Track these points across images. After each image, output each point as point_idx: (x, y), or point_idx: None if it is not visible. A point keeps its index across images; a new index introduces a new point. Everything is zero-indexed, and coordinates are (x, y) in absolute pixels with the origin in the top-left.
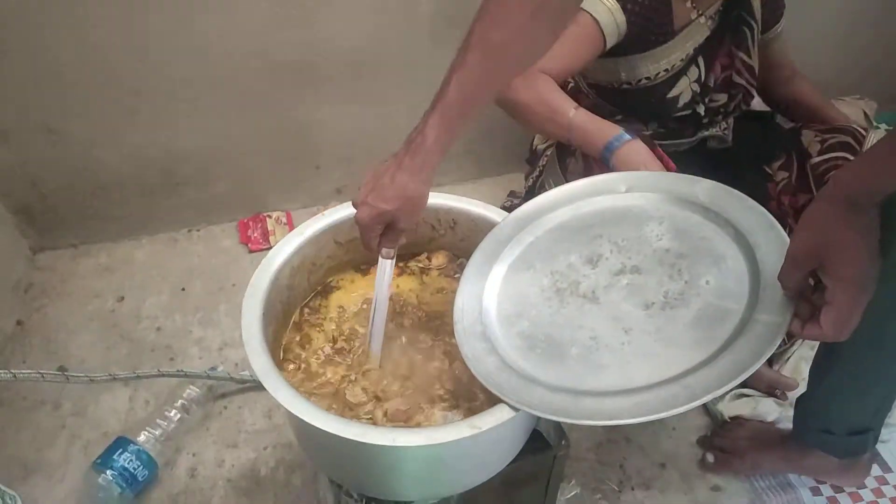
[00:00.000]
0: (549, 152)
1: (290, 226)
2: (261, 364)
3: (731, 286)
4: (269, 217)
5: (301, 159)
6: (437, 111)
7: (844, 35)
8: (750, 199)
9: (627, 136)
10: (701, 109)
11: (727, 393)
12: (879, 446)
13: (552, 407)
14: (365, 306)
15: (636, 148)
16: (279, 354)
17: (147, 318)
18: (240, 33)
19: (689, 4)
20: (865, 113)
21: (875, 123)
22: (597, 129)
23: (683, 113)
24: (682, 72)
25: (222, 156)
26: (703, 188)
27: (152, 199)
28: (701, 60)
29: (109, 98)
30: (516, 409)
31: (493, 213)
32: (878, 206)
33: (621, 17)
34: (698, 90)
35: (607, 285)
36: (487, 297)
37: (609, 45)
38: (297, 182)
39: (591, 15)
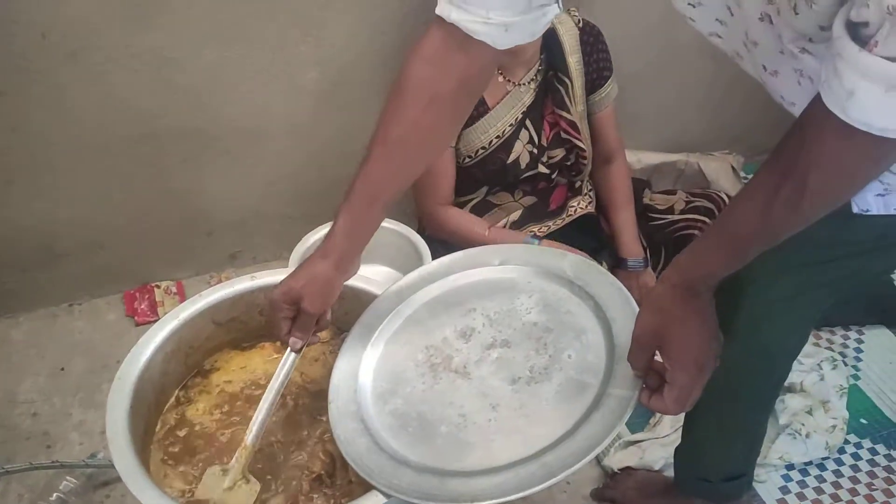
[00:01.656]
0: None
1: (181, 295)
2: (125, 464)
3: (590, 360)
4: (158, 287)
5: (191, 226)
6: (346, 203)
7: (706, 95)
8: (610, 275)
9: (535, 241)
10: (543, 168)
11: (612, 445)
12: (758, 486)
13: (420, 490)
14: (248, 391)
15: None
16: (151, 443)
17: (23, 402)
18: (120, 102)
19: (500, 79)
20: (733, 167)
21: (743, 175)
22: (511, 240)
23: (529, 173)
24: (514, 136)
25: (106, 225)
26: (570, 262)
27: (29, 274)
28: (529, 123)
29: None
30: (388, 496)
31: (373, 286)
32: (712, 289)
33: None
34: (534, 150)
35: (478, 360)
36: (363, 373)
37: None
38: (188, 250)
39: None
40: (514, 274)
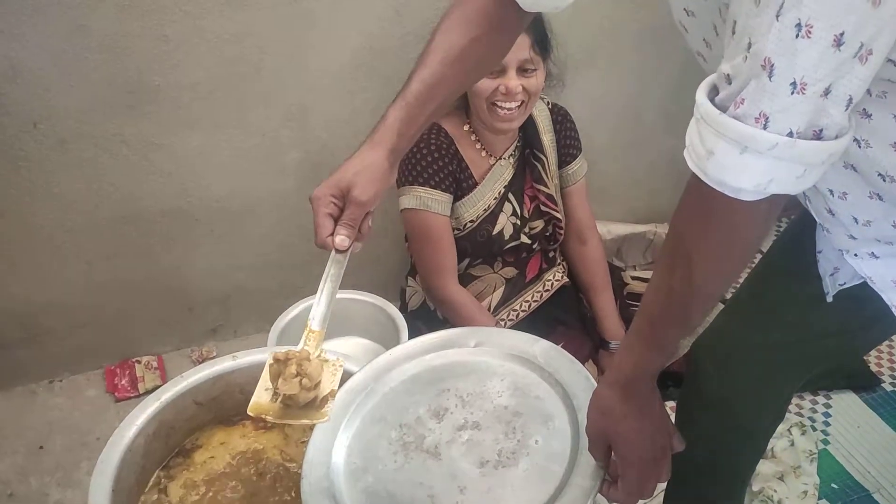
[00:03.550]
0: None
1: (161, 370)
2: None
3: (556, 447)
4: (139, 362)
5: (172, 302)
6: (398, 102)
7: (671, 166)
8: (578, 363)
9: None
10: (525, 238)
11: None
12: None
13: None
14: (231, 467)
15: None
16: None
17: None
18: (107, 185)
19: (483, 154)
20: None
21: None
22: None
23: (513, 244)
24: (498, 209)
25: (87, 304)
26: (541, 348)
27: (7, 352)
28: (511, 196)
29: None
30: None
31: (351, 363)
32: (651, 381)
33: (439, 194)
34: (518, 222)
35: (450, 440)
36: (337, 449)
37: (448, 212)
38: (169, 325)
39: (422, 211)
40: (487, 357)
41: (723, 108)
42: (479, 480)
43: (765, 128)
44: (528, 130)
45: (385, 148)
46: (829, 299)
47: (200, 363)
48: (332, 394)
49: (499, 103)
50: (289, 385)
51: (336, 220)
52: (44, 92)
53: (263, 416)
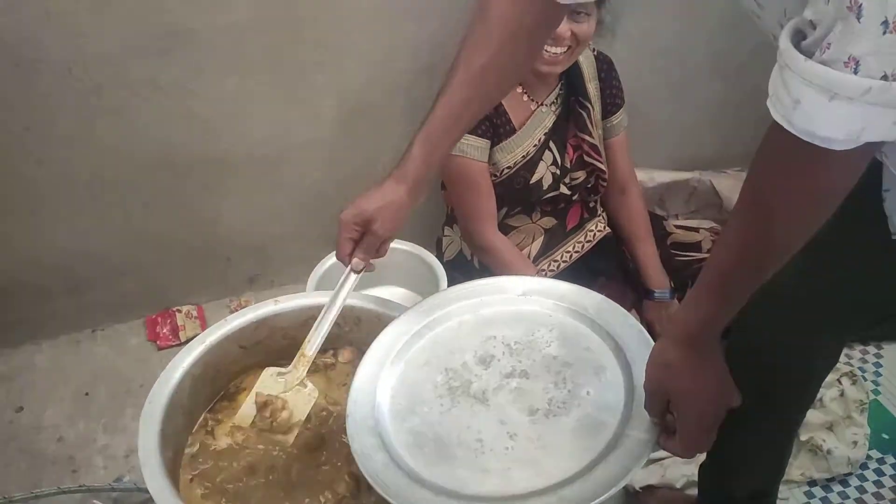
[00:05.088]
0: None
1: (202, 319)
2: (157, 487)
3: (609, 399)
4: (179, 312)
5: (211, 252)
6: (423, 130)
7: (718, 113)
8: (631, 317)
9: None
10: (565, 189)
11: None
12: (780, 503)
13: None
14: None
15: None
16: (180, 465)
17: (48, 427)
18: (142, 133)
19: (525, 98)
20: None
21: None
22: None
23: (551, 194)
24: (537, 157)
25: (126, 254)
26: (592, 301)
27: (52, 302)
28: (553, 145)
29: (1, 199)
30: None
31: (393, 310)
32: (716, 337)
33: (474, 139)
34: (558, 172)
35: (497, 387)
36: (381, 390)
37: (485, 158)
38: (208, 275)
39: (458, 156)
40: (535, 306)
41: (808, 55)
42: (529, 427)
43: (855, 72)
44: (574, 78)
45: (408, 184)
46: (895, 237)
47: None
48: (298, 423)
49: (545, 46)
50: (263, 423)
51: (356, 243)
52: (77, 36)
53: (241, 425)
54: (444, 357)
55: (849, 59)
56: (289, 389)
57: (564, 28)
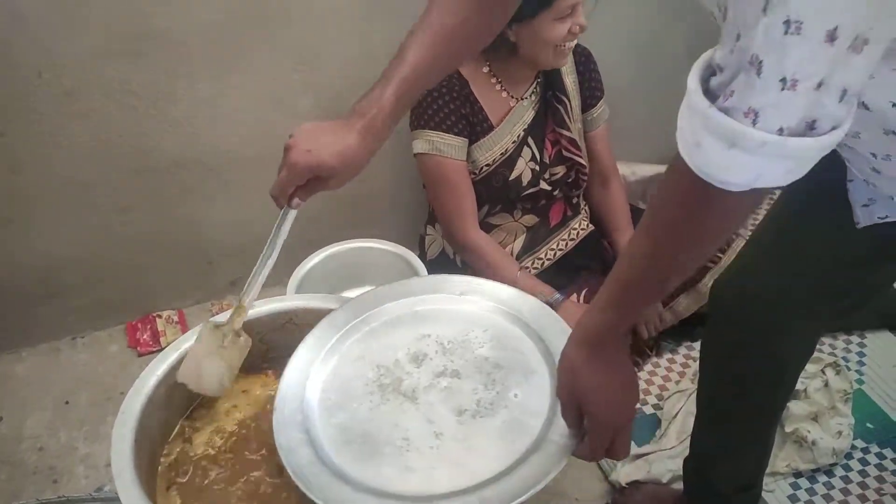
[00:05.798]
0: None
1: (182, 324)
2: (130, 498)
3: (535, 403)
4: (160, 317)
5: (191, 255)
6: (389, 83)
7: None
8: (564, 323)
9: (559, 297)
10: (545, 185)
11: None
12: (766, 495)
13: None
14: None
15: (566, 307)
16: (156, 474)
17: (28, 437)
18: (117, 137)
19: (504, 95)
20: None
21: None
22: (538, 291)
23: (531, 190)
24: (516, 154)
25: (106, 259)
26: (528, 305)
27: (31, 309)
28: (531, 141)
29: None
30: None
31: (333, 303)
32: (619, 340)
33: (451, 138)
34: (537, 168)
35: (428, 386)
36: (312, 384)
37: (463, 157)
38: (189, 279)
39: (434, 155)
40: (472, 307)
41: (714, 97)
42: (455, 427)
43: (754, 123)
44: (550, 72)
45: (371, 141)
46: (859, 226)
47: None
48: (233, 370)
49: (566, 43)
50: None
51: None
52: (47, 40)
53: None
54: (377, 352)
55: (748, 109)
56: (225, 339)
57: (581, 22)
